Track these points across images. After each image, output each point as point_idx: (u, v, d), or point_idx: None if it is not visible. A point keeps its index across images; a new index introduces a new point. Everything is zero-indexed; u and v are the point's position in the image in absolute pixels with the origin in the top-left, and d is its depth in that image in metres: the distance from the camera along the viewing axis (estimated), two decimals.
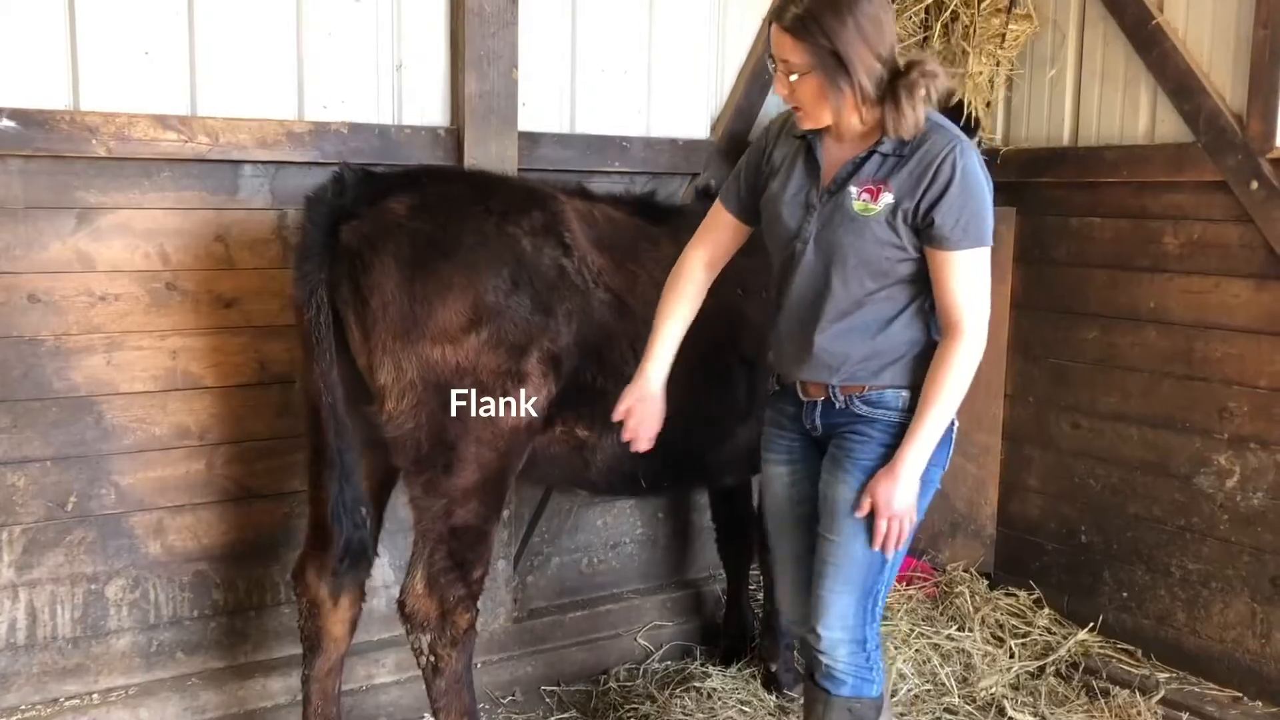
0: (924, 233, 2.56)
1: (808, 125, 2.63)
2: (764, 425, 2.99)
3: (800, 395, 2.81)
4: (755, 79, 4.31)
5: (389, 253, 2.83)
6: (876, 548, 2.68)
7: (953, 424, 2.71)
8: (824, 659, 2.83)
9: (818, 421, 2.78)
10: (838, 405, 2.73)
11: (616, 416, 2.86)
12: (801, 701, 3.04)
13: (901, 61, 2.54)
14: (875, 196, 2.57)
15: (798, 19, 2.46)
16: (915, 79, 2.50)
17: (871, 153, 2.60)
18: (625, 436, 2.88)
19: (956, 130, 2.60)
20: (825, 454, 2.81)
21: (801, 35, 2.47)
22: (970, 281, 2.58)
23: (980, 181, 2.57)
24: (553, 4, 3.89)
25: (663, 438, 2.97)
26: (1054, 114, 4.50)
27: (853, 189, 2.60)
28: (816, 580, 2.81)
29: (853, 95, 2.51)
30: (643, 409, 2.86)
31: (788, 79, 2.54)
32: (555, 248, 3.05)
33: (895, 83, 2.51)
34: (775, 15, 2.53)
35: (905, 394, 2.69)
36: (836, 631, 2.79)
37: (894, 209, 2.56)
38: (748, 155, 2.88)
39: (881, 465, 2.66)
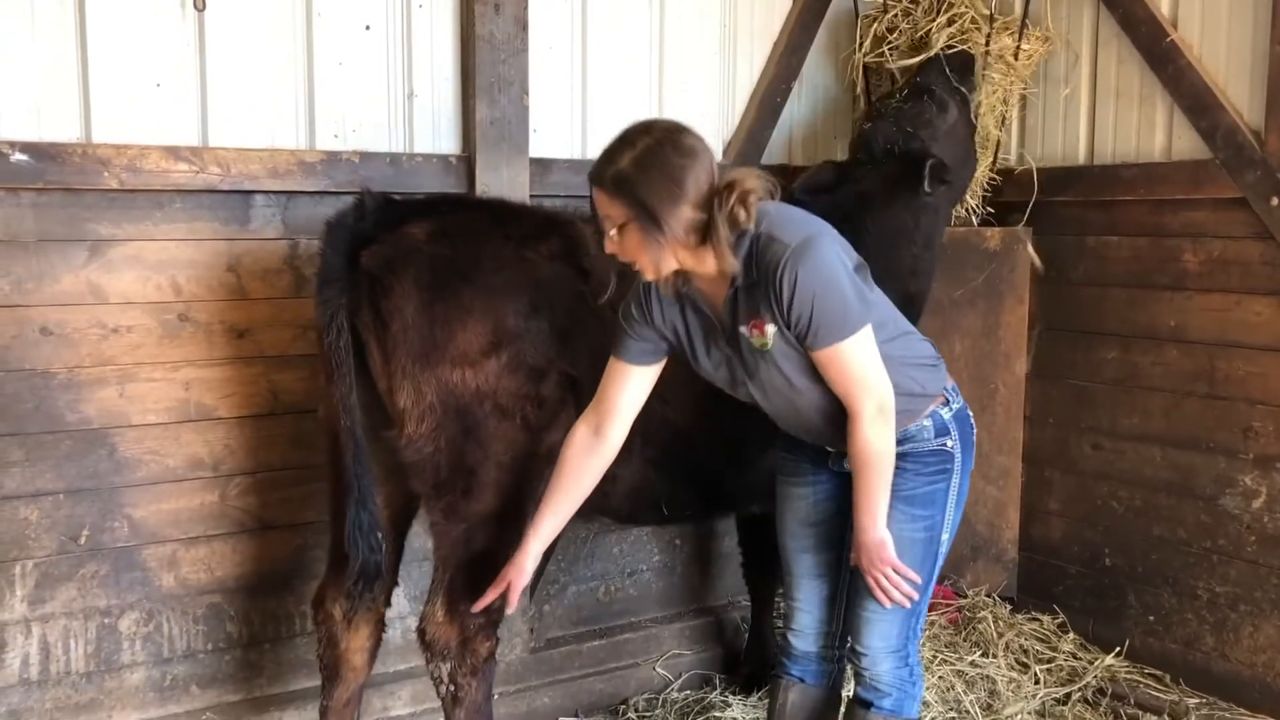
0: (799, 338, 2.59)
1: (646, 277, 2.63)
2: (779, 451, 3.02)
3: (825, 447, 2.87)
4: (766, 104, 4.32)
5: (409, 277, 2.82)
6: (882, 600, 2.76)
7: (969, 416, 2.84)
8: (867, 673, 2.89)
9: (847, 466, 2.79)
10: None
11: (499, 591, 2.83)
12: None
13: (721, 182, 2.53)
14: (761, 330, 2.60)
15: (611, 179, 2.52)
16: (731, 209, 2.50)
17: (735, 289, 2.61)
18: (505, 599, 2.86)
19: (796, 229, 2.57)
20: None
21: (614, 192, 2.52)
22: (849, 372, 2.60)
23: (822, 278, 2.52)
24: (563, 30, 3.89)
25: (687, 464, 2.91)
26: (1069, 133, 4.46)
27: (743, 329, 2.63)
28: (859, 602, 2.86)
29: (669, 244, 2.52)
30: (518, 580, 2.85)
31: (611, 234, 2.57)
32: (573, 273, 3.03)
33: (713, 217, 2.50)
34: (593, 177, 2.57)
35: (928, 422, 2.78)
36: (878, 644, 2.85)
37: (779, 333, 2.59)
38: (634, 319, 2.77)
39: (921, 490, 2.76)
